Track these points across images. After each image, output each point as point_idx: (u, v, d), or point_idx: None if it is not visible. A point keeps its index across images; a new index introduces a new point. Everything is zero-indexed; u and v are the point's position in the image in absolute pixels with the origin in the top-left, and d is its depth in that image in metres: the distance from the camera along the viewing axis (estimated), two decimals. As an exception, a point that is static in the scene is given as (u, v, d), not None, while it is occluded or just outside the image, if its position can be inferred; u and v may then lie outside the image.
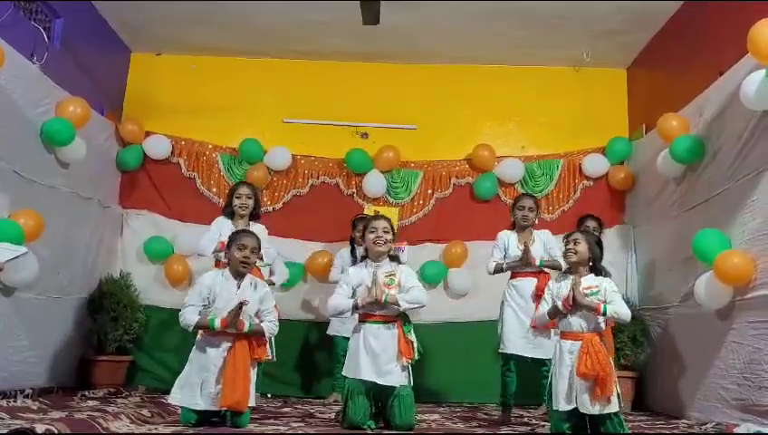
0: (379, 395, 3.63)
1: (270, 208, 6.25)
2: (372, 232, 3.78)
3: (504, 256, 4.54)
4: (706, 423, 4.05)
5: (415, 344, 3.68)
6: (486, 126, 6.50)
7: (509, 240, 4.55)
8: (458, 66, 6.55)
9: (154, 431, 3.11)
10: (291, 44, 6.34)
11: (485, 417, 4.60)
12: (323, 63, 6.58)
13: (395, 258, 3.84)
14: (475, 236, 5.96)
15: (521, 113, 6.52)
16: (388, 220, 3.89)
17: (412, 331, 3.71)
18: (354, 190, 6.31)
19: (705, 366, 4.32)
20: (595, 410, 3.16)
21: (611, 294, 3.32)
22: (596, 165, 6.17)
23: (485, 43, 6.21)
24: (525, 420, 4.41)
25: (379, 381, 3.55)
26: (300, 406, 4.97)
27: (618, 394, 3.20)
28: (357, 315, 3.76)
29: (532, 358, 4.36)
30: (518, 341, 4.37)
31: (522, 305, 4.41)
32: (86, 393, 4.84)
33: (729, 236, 4.08)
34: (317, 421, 3.93)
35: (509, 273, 4.57)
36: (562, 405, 3.23)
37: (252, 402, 3.51)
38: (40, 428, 2.45)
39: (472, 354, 5.74)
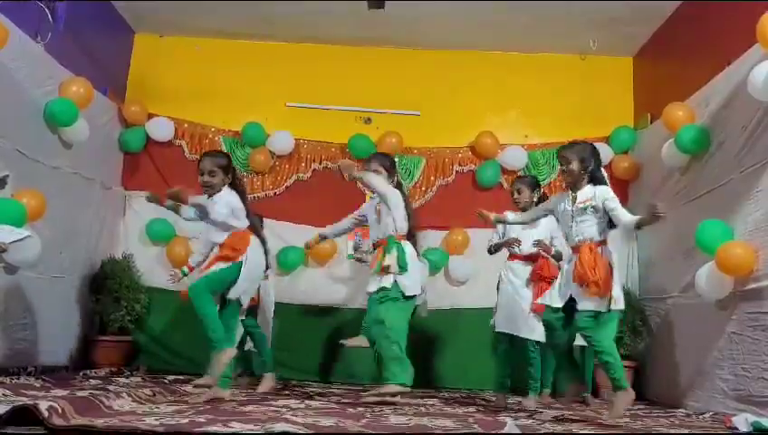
0: None
1: (272, 193, 6.27)
2: None
3: (502, 237, 4.62)
4: (704, 413, 4.08)
5: (390, 263, 4.05)
6: (490, 113, 6.47)
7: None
8: (463, 52, 6.52)
9: (155, 410, 3.13)
10: (295, 28, 6.31)
11: (484, 402, 4.63)
12: (327, 48, 6.54)
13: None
14: (476, 224, 5.92)
15: (525, 101, 6.49)
16: (378, 157, 4.42)
17: (393, 251, 4.09)
18: (357, 176, 6.30)
19: (703, 356, 4.34)
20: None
21: (609, 202, 3.47)
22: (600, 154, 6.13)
23: (490, 30, 6.18)
24: (524, 406, 4.43)
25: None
26: (300, 389, 5.00)
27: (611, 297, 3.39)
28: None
29: (522, 338, 4.41)
30: (509, 320, 4.43)
31: (517, 286, 4.47)
32: (88, 372, 4.88)
33: (732, 227, 4.08)
34: (317, 404, 3.95)
35: (507, 254, 4.62)
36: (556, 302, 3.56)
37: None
38: (43, 405, 2.47)
39: (472, 341, 5.76)
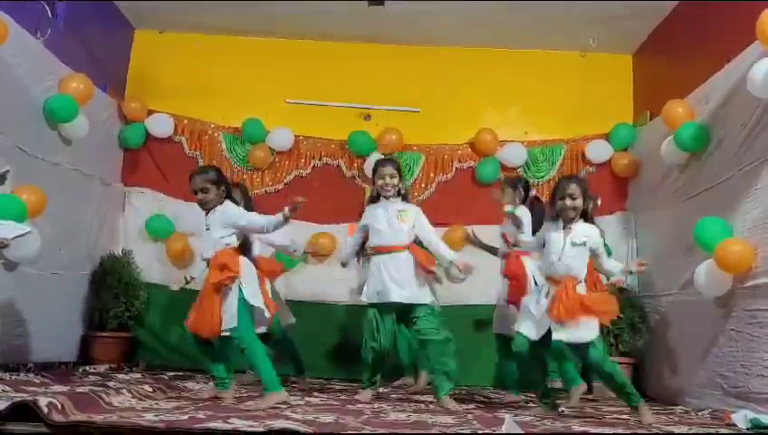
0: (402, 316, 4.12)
1: (272, 189, 6.27)
2: (381, 179, 4.13)
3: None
4: (703, 410, 4.08)
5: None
6: (490, 110, 6.47)
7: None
8: (462, 49, 6.52)
9: (155, 406, 3.14)
10: (295, 25, 6.30)
11: (484, 399, 4.64)
12: (327, 44, 6.54)
13: (405, 197, 4.25)
14: (476, 221, 5.91)
15: (524, 98, 6.48)
16: (395, 163, 4.21)
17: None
18: (356, 172, 6.32)
19: (702, 353, 4.35)
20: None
21: (599, 249, 3.57)
22: (599, 151, 6.16)
23: (490, 27, 6.17)
24: (521, 404, 4.43)
25: (403, 300, 4.02)
26: (299, 384, 5.01)
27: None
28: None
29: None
30: (500, 320, 4.64)
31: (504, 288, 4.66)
32: (87, 368, 4.89)
33: (731, 224, 4.08)
34: (317, 401, 3.96)
35: None
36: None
37: (229, 324, 3.52)
38: (43, 401, 2.47)
39: (471, 339, 5.75)
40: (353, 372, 5.71)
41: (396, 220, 4.12)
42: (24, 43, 4.43)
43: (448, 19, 6.04)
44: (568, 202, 3.53)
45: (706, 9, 5.02)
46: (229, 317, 3.53)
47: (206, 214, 3.75)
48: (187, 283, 4.00)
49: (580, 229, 3.55)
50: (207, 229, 3.71)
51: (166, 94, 6.33)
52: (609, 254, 5.44)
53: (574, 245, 3.51)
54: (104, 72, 5.87)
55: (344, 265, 4.58)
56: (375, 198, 4.26)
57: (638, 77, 6.42)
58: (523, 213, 4.45)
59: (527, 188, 4.81)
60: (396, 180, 4.15)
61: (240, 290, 3.56)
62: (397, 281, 4.05)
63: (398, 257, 4.09)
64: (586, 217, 3.60)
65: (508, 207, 4.37)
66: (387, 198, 4.17)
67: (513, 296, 4.43)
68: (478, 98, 6.49)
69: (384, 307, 4.09)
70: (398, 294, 4.03)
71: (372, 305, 4.11)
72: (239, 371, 4.56)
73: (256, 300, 3.61)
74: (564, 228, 3.57)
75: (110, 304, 5.47)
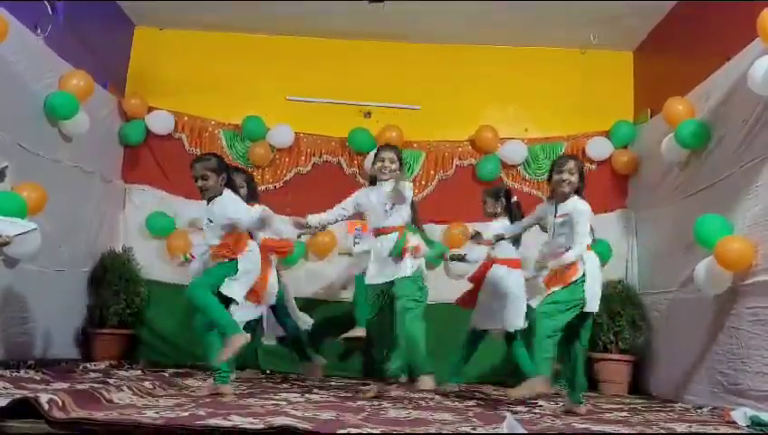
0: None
1: (272, 186, 6.27)
2: (380, 161, 4.16)
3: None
4: (703, 407, 4.09)
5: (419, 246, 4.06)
6: (490, 107, 6.47)
7: None
8: (463, 46, 6.51)
9: (156, 403, 3.14)
10: (295, 22, 6.29)
11: (483, 396, 4.65)
12: (328, 41, 6.54)
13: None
14: (476, 218, 5.92)
15: (525, 95, 6.48)
16: (396, 150, 4.22)
17: (415, 234, 4.14)
18: (356, 170, 6.31)
19: (702, 351, 4.35)
20: None
21: (577, 224, 3.60)
22: (600, 148, 6.15)
23: (490, 25, 6.16)
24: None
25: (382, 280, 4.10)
26: (300, 383, 5.02)
27: None
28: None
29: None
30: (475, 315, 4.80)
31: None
32: (87, 365, 4.88)
33: (732, 221, 4.08)
34: (317, 398, 3.96)
35: None
36: None
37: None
38: (44, 398, 2.47)
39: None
40: (353, 370, 5.74)
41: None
42: (24, 41, 4.44)
43: (448, 17, 6.03)
44: (564, 176, 3.65)
45: (707, 7, 5.01)
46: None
47: (207, 203, 3.79)
48: (187, 260, 4.05)
49: (563, 207, 3.68)
50: (210, 222, 3.78)
51: (166, 91, 6.33)
52: (609, 251, 5.55)
53: (559, 224, 3.69)
54: (105, 69, 5.87)
55: (305, 225, 4.44)
56: (372, 182, 4.35)
57: (639, 74, 6.41)
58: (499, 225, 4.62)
59: (509, 195, 4.82)
60: (395, 166, 4.16)
61: (231, 268, 3.71)
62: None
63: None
64: (579, 194, 3.71)
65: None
66: (383, 180, 4.20)
67: (467, 297, 4.77)
68: (478, 95, 6.48)
69: None
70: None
71: None
72: (238, 367, 4.58)
73: (231, 291, 3.73)
74: (556, 208, 3.72)
75: (111, 301, 5.48)
